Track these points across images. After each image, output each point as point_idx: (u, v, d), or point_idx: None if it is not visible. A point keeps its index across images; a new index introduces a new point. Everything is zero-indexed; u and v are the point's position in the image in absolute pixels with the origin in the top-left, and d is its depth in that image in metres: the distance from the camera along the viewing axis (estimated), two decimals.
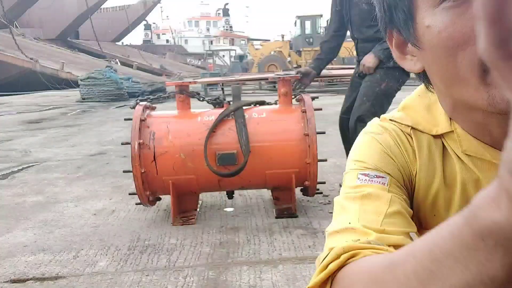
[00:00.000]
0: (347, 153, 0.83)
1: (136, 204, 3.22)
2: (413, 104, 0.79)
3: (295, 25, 28.50)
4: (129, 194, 3.29)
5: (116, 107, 12.18)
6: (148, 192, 3.03)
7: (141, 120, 3.01)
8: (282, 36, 34.06)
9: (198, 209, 3.29)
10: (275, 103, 3.27)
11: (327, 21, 3.74)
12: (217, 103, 3.29)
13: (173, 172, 2.98)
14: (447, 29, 0.59)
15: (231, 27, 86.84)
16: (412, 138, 0.77)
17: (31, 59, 21.85)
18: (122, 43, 49.34)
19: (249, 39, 63.55)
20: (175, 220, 3.08)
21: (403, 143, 0.77)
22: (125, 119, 3.37)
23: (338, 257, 0.62)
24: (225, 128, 3.01)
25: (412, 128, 0.77)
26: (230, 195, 3.34)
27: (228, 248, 2.65)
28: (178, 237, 2.85)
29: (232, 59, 40.44)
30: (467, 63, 0.58)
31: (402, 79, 3.20)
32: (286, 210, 3.15)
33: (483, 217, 0.35)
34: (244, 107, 3.10)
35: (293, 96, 3.28)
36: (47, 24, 36.43)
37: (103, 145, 6.40)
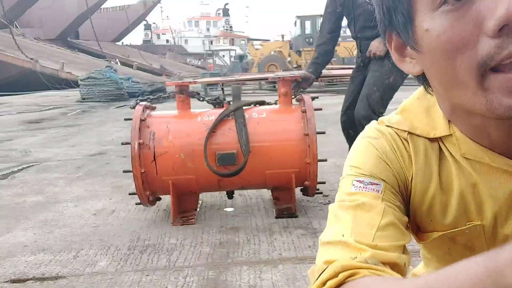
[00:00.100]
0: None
1: (136, 204, 3.22)
2: (412, 107, 0.80)
3: (295, 25, 28.49)
4: (129, 194, 3.29)
5: (116, 107, 12.18)
6: (148, 192, 3.03)
7: (141, 120, 3.01)
8: (282, 36, 34.04)
9: (198, 209, 3.29)
10: (275, 103, 3.27)
11: (323, 17, 3.70)
12: (217, 103, 3.29)
13: (173, 172, 2.98)
14: (446, 32, 0.59)
15: (231, 27, 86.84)
16: (408, 143, 0.77)
17: (31, 59, 21.86)
18: (122, 43, 49.34)
19: (249, 39, 63.52)
20: (175, 220, 3.08)
21: (399, 148, 0.77)
22: (125, 119, 3.37)
23: (336, 275, 0.63)
24: (225, 128, 3.01)
25: (409, 133, 0.77)
26: (230, 195, 3.34)
27: (228, 248, 2.65)
28: (178, 237, 2.85)
29: (232, 59, 40.45)
30: (466, 67, 0.58)
31: (406, 74, 3.21)
32: (286, 210, 3.15)
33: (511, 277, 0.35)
34: (244, 107, 3.10)
35: (293, 96, 3.28)
36: (47, 24, 36.43)
37: (103, 145, 6.40)
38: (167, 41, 75.43)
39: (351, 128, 3.40)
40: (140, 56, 38.61)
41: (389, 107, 3.18)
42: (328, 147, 4.68)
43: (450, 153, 0.75)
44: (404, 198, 0.78)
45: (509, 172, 0.70)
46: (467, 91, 0.60)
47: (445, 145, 0.75)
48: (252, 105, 3.22)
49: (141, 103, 3.16)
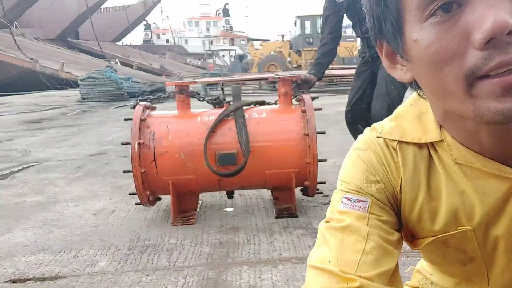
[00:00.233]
0: None
1: (136, 204, 3.22)
2: (405, 113, 0.81)
3: (295, 25, 28.50)
4: (129, 194, 3.29)
5: (116, 107, 12.18)
6: (148, 192, 3.03)
7: (141, 120, 3.01)
8: (282, 36, 34.06)
9: (198, 209, 3.29)
10: (275, 103, 3.27)
11: (322, 21, 3.71)
12: (217, 103, 3.29)
13: (173, 172, 2.98)
14: (433, 44, 0.60)
15: (231, 27, 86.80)
16: (397, 152, 0.79)
17: (31, 59, 21.86)
18: (122, 43, 49.34)
19: (249, 39, 63.55)
20: (175, 220, 3.08)
21: (386, 160, 0.79)
22: (125, 119, 3.37)
23: None
24: (225, 128, 3.01)
25: (399, 142, 0.79)
26: (230, 195, 3.34)
27: (228, 248, 2.66)
28: (178, 237, 2.85)
29: (232, 59, 40.47)
30: (453, 78, 0.59)
31: None
32: (286, 210, 3.15)
33: None
34: (244, 107, 3.10)
35: (293, 96, 3.28)
36: (47, 24, 36.42)
37: (103, 145, 6.40)
38: (167, 41, 75.40)
39: (361, 122, 3.39)
40: (140, 56, 38.61)
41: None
42: (328, 147, 4.68)
43: (440, 160, 0.76)
44: (395, 209, 0.80)
45: (499, 177, 0.71)
46: (456, 100, 0.61)
47: (436, 151, 0.76)
48: (252, 105, 3.22)
49: (141, 103, 3.15)
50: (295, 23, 28.14)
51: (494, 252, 0.77)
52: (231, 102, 3.16)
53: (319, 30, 26.60)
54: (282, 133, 3.05)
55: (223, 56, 47.98)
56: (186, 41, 76.58)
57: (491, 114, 0.58)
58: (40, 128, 8.63)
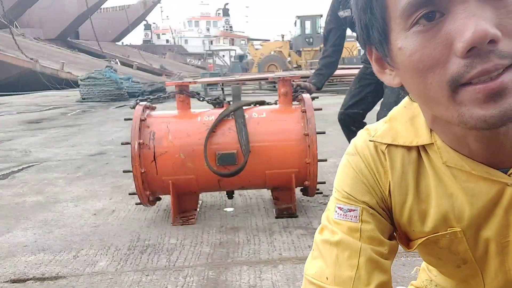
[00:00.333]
0: None
1: (136, 204, 3.22)
2: (398, 115, 0.83)
3: (295, 25, 28.52)
4: (129, 194, 3.29)
5: (116, 107, 12.19)
6: (148, 192, 3.03)
7: (141, 120, 3.01)
8: (282, 36, 34.08)
9: (198, 209, 3.29)
10: (275, 103, 3.27)
11: (323, 35, 3.74)
12: (217, 103, 3.29)
13: (173, 172, 2.98)
14: (417, 52, 0.61)
15: (231, 27, 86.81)
16: (385, 156, 0.80)
17: (31, 59, 21.87)
18: (122, 43, 49.36)
19: (249, 39, 63.58)
20: (175, 220, 3.08)
21: (375, 164, 0.81)
22: (125, 119, 3.37)
23: None
24: (225, 128, 3.01)
25: (388, 145, 0.80)
26: (230, 195, 3.34)
27: (228, 248, 2.66)
28: (178, 237, 2.85)
29: (232, 59, 40.49)
30: (436, 84, 0.60)
31: None
32: (286, 210, 3.15)
33: None
34: (244, 107, 3.10)
35: (293, 96, 3.28)
36: (47, 24, 36.43)
37: (103, 145, 6.41)
38: (167, 41, 75.41)
39: (354, 124, 3.40)
40: (140, 56, 38.62)
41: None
42: (328, 147, 4.68)
43: (430, 162, 0.77)
44: (387, 213, 0.82)
45: (489, 180, 0.72)
46: (440, 107, 0.62)
47: (427, 154, 0.77)
48: (252, 105, 3.22)
49: (141, 103, 3.15)
50: (295, 23, 28.16)
51: (486, 254, 0.78)
52: (231, 102, 3.16)
53: (319, 30, 26.65)
54: (282, 133, 3.05)
55: (223, 56, 48.02)
56: (186, 41, 76.59)
57: (474, 121, 0.59)
58: (40, 128, 8.63)
